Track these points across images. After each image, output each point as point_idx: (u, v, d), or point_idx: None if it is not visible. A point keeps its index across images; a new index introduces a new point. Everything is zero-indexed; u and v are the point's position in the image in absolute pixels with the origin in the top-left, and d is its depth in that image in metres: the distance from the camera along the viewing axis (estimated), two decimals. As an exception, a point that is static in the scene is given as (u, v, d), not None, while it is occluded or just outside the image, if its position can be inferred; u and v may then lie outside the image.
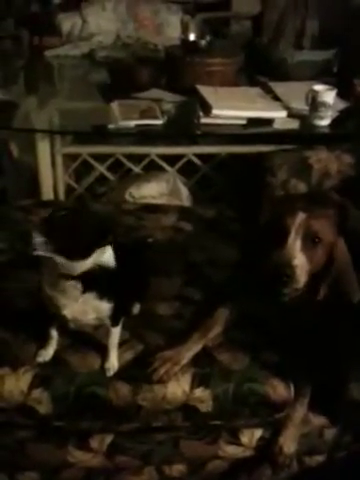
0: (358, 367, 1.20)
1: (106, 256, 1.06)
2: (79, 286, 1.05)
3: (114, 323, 1.16)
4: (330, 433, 1.29)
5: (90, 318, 1.11)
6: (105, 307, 1.10)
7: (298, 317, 1.17)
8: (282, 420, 1.21)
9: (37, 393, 1.14)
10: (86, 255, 1.01)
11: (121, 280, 1.12)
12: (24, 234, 0.99)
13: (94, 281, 1.05)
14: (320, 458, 1.34)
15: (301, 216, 1.08)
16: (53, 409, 1.15)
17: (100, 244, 1.02)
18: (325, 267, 1.10)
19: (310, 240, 1.08)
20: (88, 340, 1.22)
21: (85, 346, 1.22)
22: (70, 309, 1.09)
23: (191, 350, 1.20)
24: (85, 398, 1.15)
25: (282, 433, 1.22)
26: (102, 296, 1.08)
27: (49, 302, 1.10)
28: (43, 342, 1.20)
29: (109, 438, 1.24)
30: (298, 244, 1.07)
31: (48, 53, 2.69)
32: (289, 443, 1.22)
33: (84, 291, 1.06)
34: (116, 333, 1.18)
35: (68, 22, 2.89)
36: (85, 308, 1.09)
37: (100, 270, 1.05)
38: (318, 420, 1.27)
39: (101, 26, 2.88)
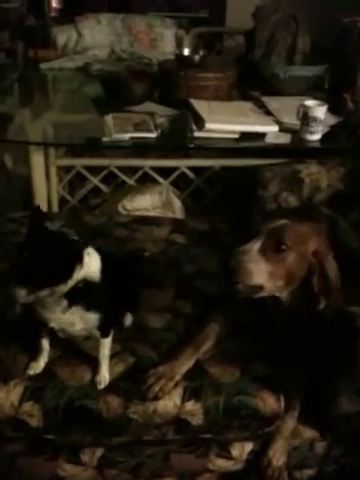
0: (348, 380, 1.20)
1: (90, 269, 1.06)
2: (64, 303, 1.05)
3: (104, 334, 1.16)
4: (320, 446, 1.29)
5: (78, 329, 1.12)
6: (92, 318, 1.10)
7: (289, 330, 1.18)
8: (272, 433, 1.21)
9: (28, 406, 1.14)
10: (66, 277, 1.02)
11: (111, 291, 1.12)
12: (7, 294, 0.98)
13: (80, 294, 1.06)
14: (310, 472, 1.33)
15: (274, 223, 1.12)
16: (44, 422, 1.15)
17: (75, 259, 1.02)
18: (308, 280, 1.12)
19: (275, 246, 1.10)
20: (79, 352, 1.22)
21: (76, 359, 1.22)
22: (57, 321, 1.10)
23: (184, 365, 1.20)
24: (76, 411, 1.15)
25: (271, 445, 1.22)
26: (89, 307, 1.09)
27: (38, 315, 1.11)
28: (34, 355, 1.20)
29: (100, 451, 1.24)
30: (257, 244, 1.10)
31: (43, 66, 2.70)
32: (278, 456, 1.21)
33: (70, 306, 1.06)
34: (106, 345, 1.18)
35: (63, 35, 2.91)
36: (72, 319, 1.09)
37: (86, 283, 1.05)
38: (308, 433, 1.27)
39: (96, 40, 2.90)
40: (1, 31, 2.91)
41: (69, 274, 1.02)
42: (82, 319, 1.10)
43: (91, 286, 1.06)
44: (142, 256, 1.56)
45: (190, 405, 1.16)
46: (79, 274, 1.03)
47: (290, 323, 1.16)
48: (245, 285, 1.09)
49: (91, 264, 1.07)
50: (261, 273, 1.09)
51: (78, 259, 1.03)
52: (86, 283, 1.06)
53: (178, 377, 1.18)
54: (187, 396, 1.17)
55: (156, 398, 1.15)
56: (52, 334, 1.17)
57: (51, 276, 0.99)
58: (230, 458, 1.26)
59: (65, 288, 1.02)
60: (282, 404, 1.20)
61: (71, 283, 1.03)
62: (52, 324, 1.10)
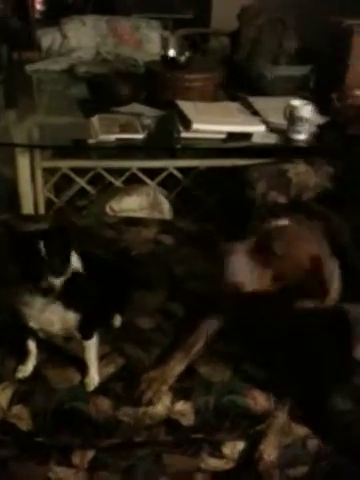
0: (341, 377, 1.21)
1: (76, 261, 1.07)
2: (54, 295, 1.05)
3: (86, 336, 1.15)
4: (313, 444, 1.29)
5: (57, 328, 1.11)
6: (71, 317, 1.09)
7: (280, 328, 1.18)
8: (263, 431, 1.21)
9: (17, 409, 1.13)
10: (66, 267, 1.03)
11: (93, 293, 1.12)
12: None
13: (62, 290, 1.05)
14: (303, 469, 1.33)
15: (273, 223, 1.11)
16: (34, 425, 1.14)
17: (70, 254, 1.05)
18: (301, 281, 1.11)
19: (267, 246, 1.09)
20: (68, 355, 1.21)
21: (65, 361, 1.21)
22: (36, 320, 1.09)
23: (176, 369, 1.19)
24: (65, 413, 1.14)
25: (262, 441, 1.21)
26: (68, 306, 1.08)
27: (17, 313, 1.10)
28: (22, 358, 1.19)
29: (91, 454, 1.23)
30: (252, 242, 1.10)
31: (28, 68, 2.69)
32: (270, 450, 1.21)
33: (54, 300, 1.06)
34: (91, 347, 1.16)
35: (48, 37, 2.90)
36: (51, 318, 1.08)
37: (69, 281, 1.05)
38: (301, 430, 1.26)
39: (81, 41, 2.89)
40: (-15, 34, 2.90)
41: (67, 265, 1.04)
42: (60, 319, 1.09)
43: (73, 285, 1.06)
44: (129, 256, 1.55)
45: (180, 405, 1.16)
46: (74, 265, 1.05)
47: (282, 320, 1.16)
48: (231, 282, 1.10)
49: (75, 259, 1.08)
50: (248, 272, 1.09)
51: (70, 251, 1.05)
52: (69, 281, 1.05)
53: (170, 380, 1.17)
54: (177, 396, 1.16)
55: (151, 403, 1.14)
56: (32, 332, 1.16)
57: (59, 266, 1.02)
58: (222, 457, 1.26)
59: (62, 278, 1.03)
60: (272, 402, 1.19)
61: (67, 274, 1.04)
62: (31, 323, 1.09)
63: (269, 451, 1.21)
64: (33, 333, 1.15)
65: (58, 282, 1.02)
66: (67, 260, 1.04)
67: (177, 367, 1.19)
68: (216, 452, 1.25)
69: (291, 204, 1.75)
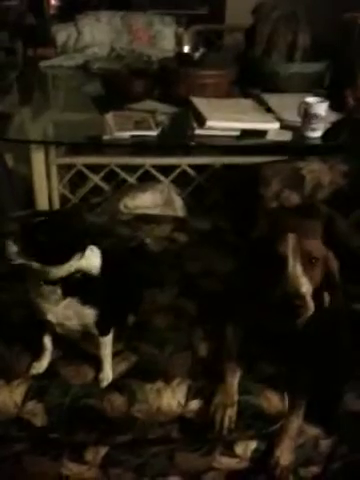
0: (353, 377, 1.20)
1: (90, 262, 1.07)
2: (58, 291, 1.06)
3: (102, 333, 1.16)
4: (325, 444, 1.28)
5: (74, 323, 1.12)
6: (88, 313, 1.10)
7: (293, 328, 1.18)
8: (278, 432, 1.20)
9: (31, 405, 1.14)
10: (63, 260, 1.02)
11: (109, 289, 1.12)
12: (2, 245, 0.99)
13: (77, 287, 1.06)
14: (315, 469, 1.33)
15: (292, 239, 1.07)
16: (48, 421, 1.15)
17: (77, 249, 1.04)
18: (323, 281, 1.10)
19: (307, 261, 1.07)
20: (82, 352, 1.22)
21: (79, 358, 1.22)
22: (53, 314, 1.09)
23: (235, 384, 1.18)
24: (79, 410, 1.15)
25: (278, 445, 1.20)
26: (85, 302, 1.08)
27: (35, 307, 1.11)
28: (37, 354, 1.20)
29: (104, 450, 1.24)
30: (299, 270, 1.05)
31: (42, 64, 2.70)
32: (285, 455, 1.20)
33: (64, 296, 1.06)
34: (106, 344, 1.17)
35: (63, 33, 2.91)
36: (67, 313, 1.09)
37: (83, 276, 1.06)
38: (313, 431, 1.26)
39: (96, 38, 2.90)
40: (0, 30, 2.91)
41: (66, 259, 1.02)
42: (77, 314, 1.10)
43: (89, 281, 1.07)
44: (142, 254, 1.55)
45: (194, 404, 1.16)
46: (77, 263, 1.04)
47: (295, 320, 1.16)
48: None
49: (91, 259, 1.08)
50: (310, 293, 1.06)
51: (80, 249, 1.04)
52: (84, 277, 1.06)
53: (236, 397, 1.17)
54: (191, 395, 1.17)
55: (230, 430, 1.14)
56: (55, 334, 1.17)
57: (48, 253, 1.00)
58: (235, 456, 1.26)
59: (58, 272, 1.03)
60: (286, 403, 1.19)
61: (66, 269, 1.03)
62: (49, 316, 1.10)
63: (285, 456, 1.19)
64: (51, 328, 1.15)
65: (60, 272, 1.02)
66: (70, 251, 1.03)
67: (235, 381, 1.19)
68: (229, 451, 1.26)
69: (297, 206, 1.74)
